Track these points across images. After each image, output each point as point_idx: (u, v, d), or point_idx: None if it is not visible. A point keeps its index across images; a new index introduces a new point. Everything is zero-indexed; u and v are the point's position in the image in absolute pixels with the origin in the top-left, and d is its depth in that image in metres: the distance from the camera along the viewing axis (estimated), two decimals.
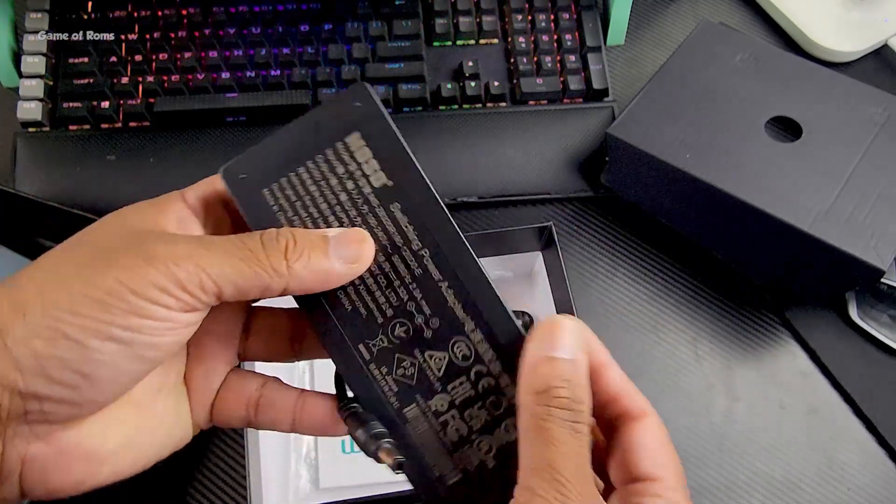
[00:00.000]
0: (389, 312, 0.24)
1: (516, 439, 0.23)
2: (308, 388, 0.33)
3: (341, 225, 0.24)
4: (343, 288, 0.24)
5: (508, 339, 0.24)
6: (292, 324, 0.27)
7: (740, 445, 0.43)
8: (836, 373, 0.45)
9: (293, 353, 0.27)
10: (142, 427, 0.24)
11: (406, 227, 0.24)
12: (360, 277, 0.24)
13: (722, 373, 0.46)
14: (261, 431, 0.41)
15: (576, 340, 0.22)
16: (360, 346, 0.24)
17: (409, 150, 0.24)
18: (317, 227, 0.24)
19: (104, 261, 0.21)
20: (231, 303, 0.26)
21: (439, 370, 0.24)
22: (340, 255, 0.23)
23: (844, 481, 0.43)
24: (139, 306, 0.20)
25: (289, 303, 0.27)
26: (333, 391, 0.26)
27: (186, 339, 0.23)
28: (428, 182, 0.24)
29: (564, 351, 0.22)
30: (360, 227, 0.24)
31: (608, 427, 0.24)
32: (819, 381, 0.45)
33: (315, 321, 0.24)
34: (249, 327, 0.27)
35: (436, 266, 0.24)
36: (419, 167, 0.24)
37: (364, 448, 0.24)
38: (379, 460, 0.23)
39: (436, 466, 0.24)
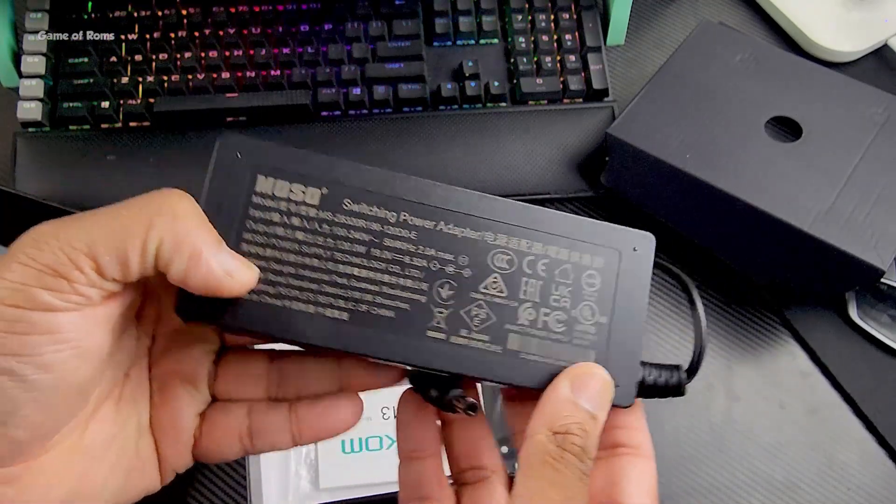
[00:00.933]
0: (424, 286, 0.23)
1: (600, 285, 0.24)
2: None
3: (322, 263, 0.23)
4: (371, 303, 0.23)
5: (524, 220, 0.24)
6: (267, 365, 0.26)
7: (740, 445, 0.43)
8: (836, 373, 0.45)
9: (268, 394, 0.26)
10: (88, 478, 0.22)
11: (369, 211, 0.23)
12: (377, 283, 0.23)
13: (722, 373, 0.46)
14: None
15: (603, 397, 0.22)
16: (429, 333, 0.23)
17: (310, 152, 0.23)
18: (300, 279, 0.23)
19: None
20: (197, 342, 0.25)
21: (502, 291, 0.24)
22: (222, 263, 0.21)
23: (844, 481, 0.43)
24: (15, 320, 0.19)
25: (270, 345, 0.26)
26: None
27: (91, 358, 0.21)
28: (345, 161, 0.23)
29: (590, 403, 0.22)
30: (337, 251, 0.23)
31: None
32: (819, 381, 0.45)
33: (380, 354, 0.23)
34: (218, 368, 0.26)
35: (421, 217, 0.24)
36: (328, 156, 0.23)
37: (440, 404, 0.25)
38: (455, 409, 0.24)
39: (571, 362, 0.24)
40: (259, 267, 0.23)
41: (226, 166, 0.23)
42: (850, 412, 0.44)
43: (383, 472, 0.40)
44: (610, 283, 0.24)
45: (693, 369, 0.25)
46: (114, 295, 0.21)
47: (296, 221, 0.23)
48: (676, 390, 0.25)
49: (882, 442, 0.43)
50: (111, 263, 0.20)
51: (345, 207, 0.23)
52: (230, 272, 0.22)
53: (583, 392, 0.22)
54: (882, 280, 0.42)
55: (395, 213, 0.24)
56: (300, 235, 0.23)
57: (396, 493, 0.38)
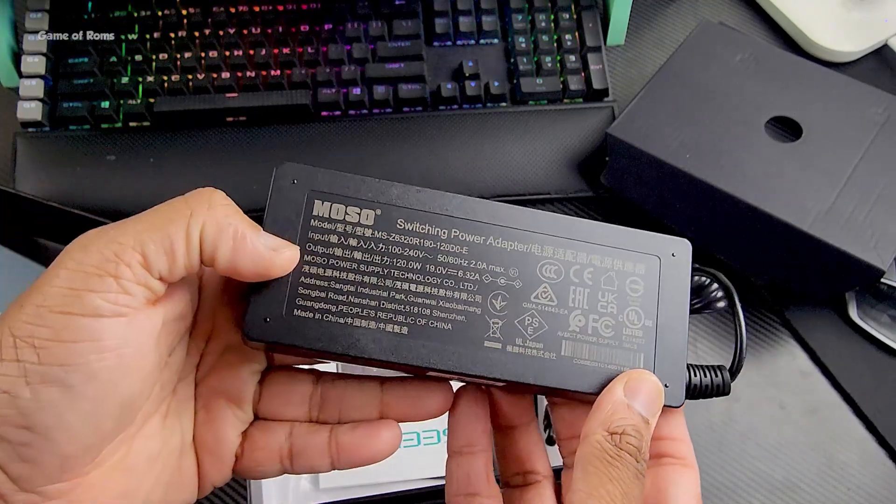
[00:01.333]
0: (478, 298, 0.24)
1: (643, 291, 0.25)
2: None
3: (380, 281, 0.24)
4: (429, 317, 0.24)
5: (566, 231, 0.25)
6: (311, 387, 0.26)
7: (740, 445, 0.43)
8: (836, 373, 0.45)
9: (310, 416, 0.26)
10: (130, 494, 0.22)
11: (422, 229, 0.24)
12: (433, 298, 0.24)
13: None
14: None
15: (655, 403, 0.23)
16: (487, 343, 0.24)
17: (361, 177, 0.24)
18: (360, 297, 0.24)
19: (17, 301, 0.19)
20: (245, 361, 0.25)
21: (552, 300, 0.25)
22: (265, 242, 0.22)
23: (844, 481, 0.43)
24: (62, 327, 0.19)
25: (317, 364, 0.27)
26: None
27: (136, 370, 0.21)
28: (396, 183, 0.24)
29: (643, 408, 0.23)
30: (394, 268, 0.24)
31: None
32: (819, 381, 0.45)
33: (440, 366, 0.24)
34: (262, 387, 0.26)
35: (471, 233, 0.25)
36: (378, 179, 0.24)
37: None
38: None
39: (622, 365, 0.25)
40: (320, 287, 0.24)
41: (283, 193, 0.24)
42: (850, 412, 0.44)
43: (384, 473, 0.40)
44: (652, 288, 0.25)
45: (736, 369, 0.26)
46: (158, 301, 0.21)
47: (353, 242, 0.24)
48: (722, 390, 0.26)
49: (882, 442, 0.43)
50: (158, 255, 0.20)
51: (398, 227, 0.24)
52: (275, 248, 0.22)
53: (636, 397, 0.23)
54: (882, 280, 0.42)
55: (446, 231, 0.24)
56: (358, 255, 0.24)
57: (396, 493, 0.38)
